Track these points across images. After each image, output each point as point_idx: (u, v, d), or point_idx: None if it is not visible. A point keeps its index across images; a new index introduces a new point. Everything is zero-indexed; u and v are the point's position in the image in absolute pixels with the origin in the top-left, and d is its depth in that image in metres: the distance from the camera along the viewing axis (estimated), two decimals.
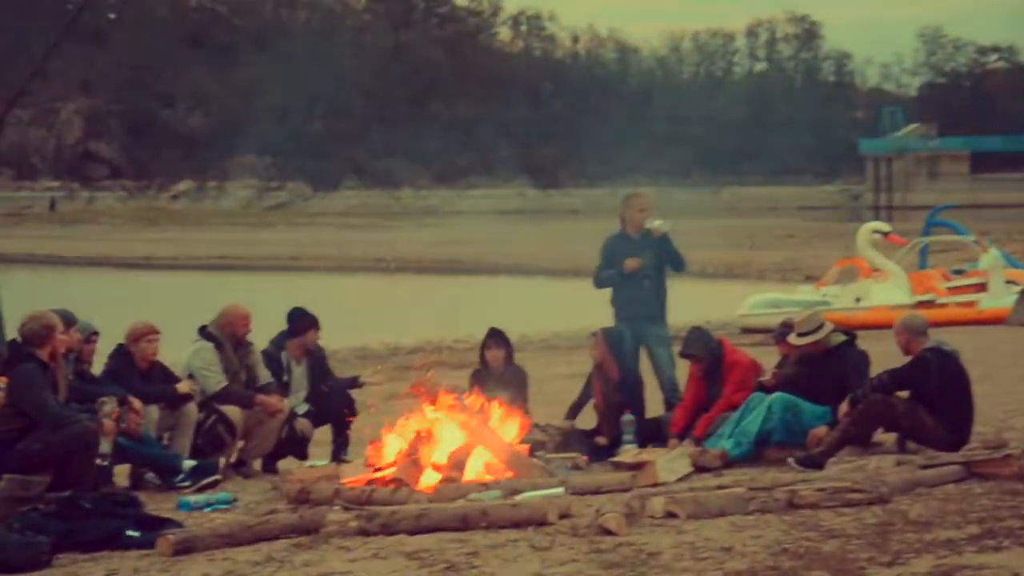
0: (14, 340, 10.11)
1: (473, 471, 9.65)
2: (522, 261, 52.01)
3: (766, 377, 11.00)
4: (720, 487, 8.79)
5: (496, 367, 11.81)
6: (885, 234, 30.42)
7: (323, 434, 12.25)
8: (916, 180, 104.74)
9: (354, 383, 12.57)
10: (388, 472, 9.69)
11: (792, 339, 10.96)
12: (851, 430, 9.94)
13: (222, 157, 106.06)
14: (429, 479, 9.55)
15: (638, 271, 12.26)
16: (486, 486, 9.19)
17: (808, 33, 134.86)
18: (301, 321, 12.06)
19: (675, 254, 12.45)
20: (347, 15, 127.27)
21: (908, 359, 10.14)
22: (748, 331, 27.33)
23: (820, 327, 10.82)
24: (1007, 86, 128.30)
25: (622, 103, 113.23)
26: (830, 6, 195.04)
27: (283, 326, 12.12)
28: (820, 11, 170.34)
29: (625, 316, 12.41)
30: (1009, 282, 28.63)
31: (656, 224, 12.34)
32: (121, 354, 11.11)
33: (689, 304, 23.57)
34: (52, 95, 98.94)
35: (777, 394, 10.59)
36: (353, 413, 12.07)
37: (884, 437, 10.31)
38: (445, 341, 26.53)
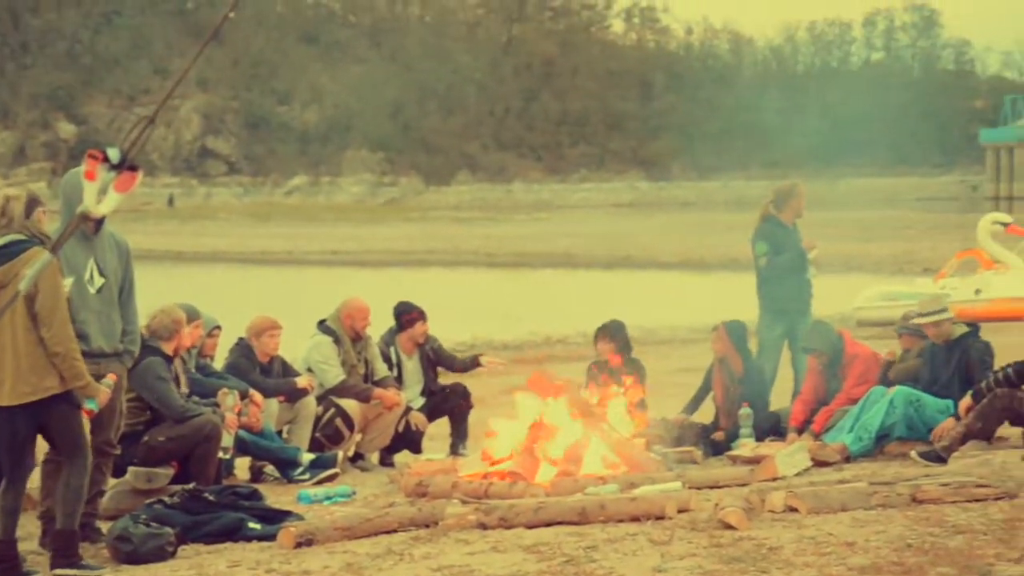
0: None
1: (590, 465, 9.64)
2: (635, 254, 51.83)
3: (893, 359, 10.81)
4: (841, 481, 8.70)
5: (611, 361, 11.78)
6: (1006, 225, 29.90)
7: (437, 428, 12.31)
8: None
9: (475, 363, 12.51)
10: (505, 466, 9.72)
11: (916, 320, 10.82)
12: (975, 424, 9.79)
13: (336, 153, 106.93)
14: (546, 473, 9.55)
15: (808, 256, 12.17)
16: (603, 480, 9.18)
17: (927, 21, 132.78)
18: (407, 314, 12.10)
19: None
20: (460, 9, 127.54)
21: None
22: (865, 324, 27.06)
23: (943, 310, 10.67)
24: None
25: (736, 95, 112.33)
26: None
27: (392, 321, 12.19)
28: None
29: (778, 308, 12.28)
30: None
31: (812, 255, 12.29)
32: (242, 348, 11.26)
33: None
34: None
35: (899, 388, 10.45)
36: (469, 406, 12.12)
37: (1010, 431, 10.14)
38: (559, 335, 26.52)
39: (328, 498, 9.84)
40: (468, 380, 12.71)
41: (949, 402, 10.27)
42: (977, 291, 28.60)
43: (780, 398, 11.96)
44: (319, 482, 10.50)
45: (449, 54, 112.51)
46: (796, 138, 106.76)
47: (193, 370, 10.50)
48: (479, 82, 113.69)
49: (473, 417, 12.10)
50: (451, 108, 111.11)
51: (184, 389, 9.94)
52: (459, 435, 12.05)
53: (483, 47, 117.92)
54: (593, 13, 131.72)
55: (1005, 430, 10.10)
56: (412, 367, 12.14)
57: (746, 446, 10.83)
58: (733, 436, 11.28)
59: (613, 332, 11.93)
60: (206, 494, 8.81)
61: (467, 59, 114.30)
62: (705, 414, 11.88)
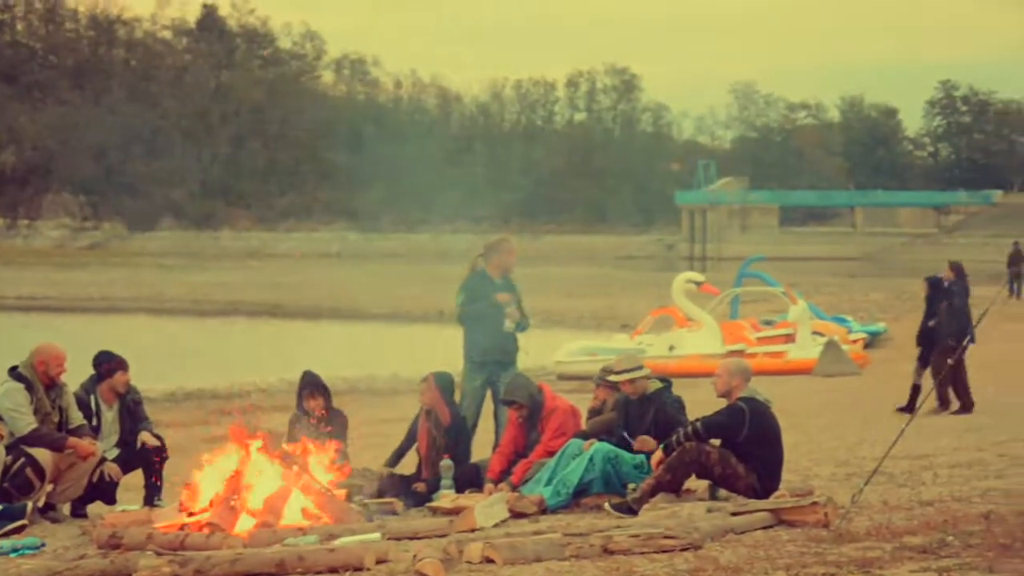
0: None
1: (290, 516, 9.54)
2: (342, 304, 51.74)
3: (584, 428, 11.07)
4: (537, 533, 8.82)
5: (314, 411, 11.70)
6: (699, 284, 30.97)
7: (132, 479, 11.98)
8: (728, 232, 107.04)
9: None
10: (203, 517, 9.53)
11: (612, 377, 11.09)
12: (665, 476, 10.05)
13: (35, 195, 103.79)
14: (244, 524, 9.41)
15: (505, 309, 12.28)
16: (303, 531, 9.10)
17: (627, 84, 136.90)
18: (108, 363, 11.78)
19: (525, 314, 12.58)
20: (168, 54, 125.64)
21: (721, 408, 10.30)
22: (565, 377, 27.61)
23: (638, 367, 10.98)
24: (815, 142, 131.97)
25: (443, 149, 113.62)
26: (648, 60, 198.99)
27: (91, 369, 11.83)
28: (638, 64, 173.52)
29: (479, 359, 12.37)
30: (816, 333, 29.37)
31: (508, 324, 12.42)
32: None
33: None
34: None
35: (598, 444, 10.65)
36: (165, 457, 11.84)
37: (697, 484, 10.46)
38: (263, 384, 26.24)
39: (15, 550, 9.47)
40: (166, 430, 12.42)
41: (642, 457, 10.53)
42: (671, 347, 29.54)
43: (481, 449, 12.08)
44: (6, 534, 10.09)
45: (155, 99, 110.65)
46: (502, 194, 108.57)
47: None
48: (186, 128, 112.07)
49: (171, 467, 11.83)
50: (157, 153, 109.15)
51: None
52: (153, 486, 11.76)
53: (191, 93, 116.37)
54: (303, 63, 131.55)
55: (693, 483, 10.41)
56: (111, 417, 11.80)
57: (446, 497, 10.87)
58: (435, 487, 11.31)
59: (315, 383, 11.86)
60: None
61: (174, 104, 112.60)
62: (408, 465, 11.90)
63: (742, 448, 10.07)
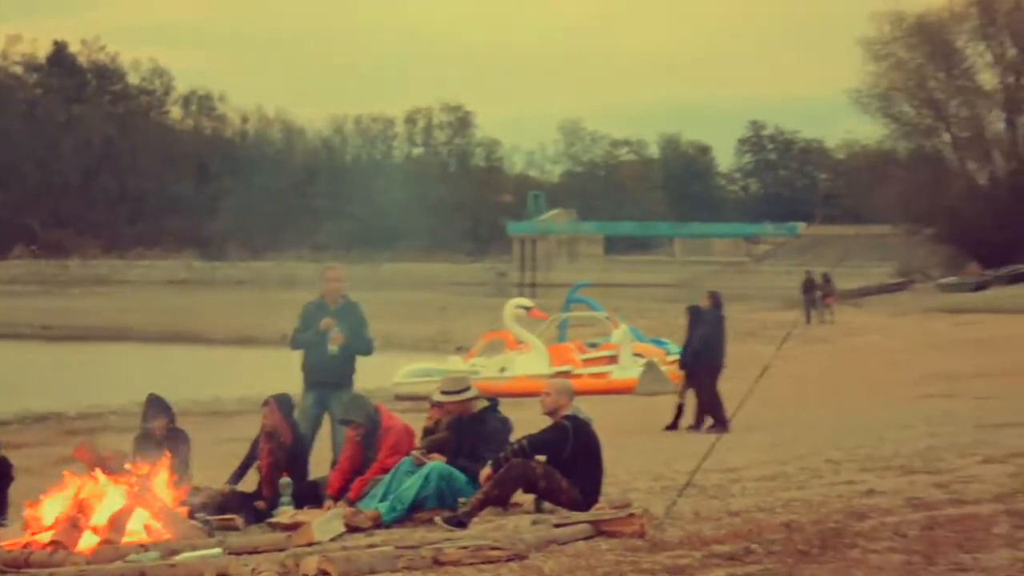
0: None
1: (133, 533, 9.36)
2: (189, 329, 50.96)
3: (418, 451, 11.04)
4: (371, 546, 8.78)
5: (158, 432, 11.51)
6: (528, 309, 31.16)
7: None
8: (557, 260, 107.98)
9: None
10: (47, 535, 9.30)
11: (437, 396, 11.14)
12: (493, 491, 10.08)
13: None
14: (88, 541, 9.20)
15: (329, 334, 12.26)
16: (145, 547, 8.93)
17: (461, 121, 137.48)
18: None
19: (364, 339, 12.57)
20: (19, 88, 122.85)
21: (547, 426, 10.37)
22: (402, 398, 27.52)
23: (466, 389, 11.02)
24: (637, 177, 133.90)
25: (287, 181, 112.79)
26: (482, 98, 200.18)
27: None
28: (473, 102, 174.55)
29: (313, 382, 12.39)
30: (637, 355, 29.72)
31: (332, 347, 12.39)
32: None
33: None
34: None
35: (435, 463, 10.65)
36: (10, 478, 11.52)
37: (523, 498, 10.50)
38: (110, 407, 25.72)
39: None
40: (16, 451, 12.10)
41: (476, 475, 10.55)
42: (502, 369, 29.64)
43: (320, 467, 11.99)
44: None
45: (5, 131, 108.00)
46: (344, 223, 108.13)
47: None
48: (37, 159, 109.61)
49: (22, 488, 11.51)
50: (7, 183, 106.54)
51: None
52: None
53: (42, 125, 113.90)
54: (152, 98, 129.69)
55: (520, 496, 10.44)
56: None
57: (286, 513, 10.77)
58: (274, 504, 11.20)
59: (158, 404, 11.69)
60: None
61: (25, 136, 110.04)
62: (249, 484, 11.75)
63: (566, 464, 10.14)
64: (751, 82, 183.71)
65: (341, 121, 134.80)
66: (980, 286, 62.01)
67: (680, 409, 19.47)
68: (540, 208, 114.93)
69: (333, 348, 12.34)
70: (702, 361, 19.21)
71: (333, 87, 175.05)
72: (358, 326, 12.57)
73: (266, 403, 11.77)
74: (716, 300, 19.94)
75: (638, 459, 14.17)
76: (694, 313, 19.92)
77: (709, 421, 18.94)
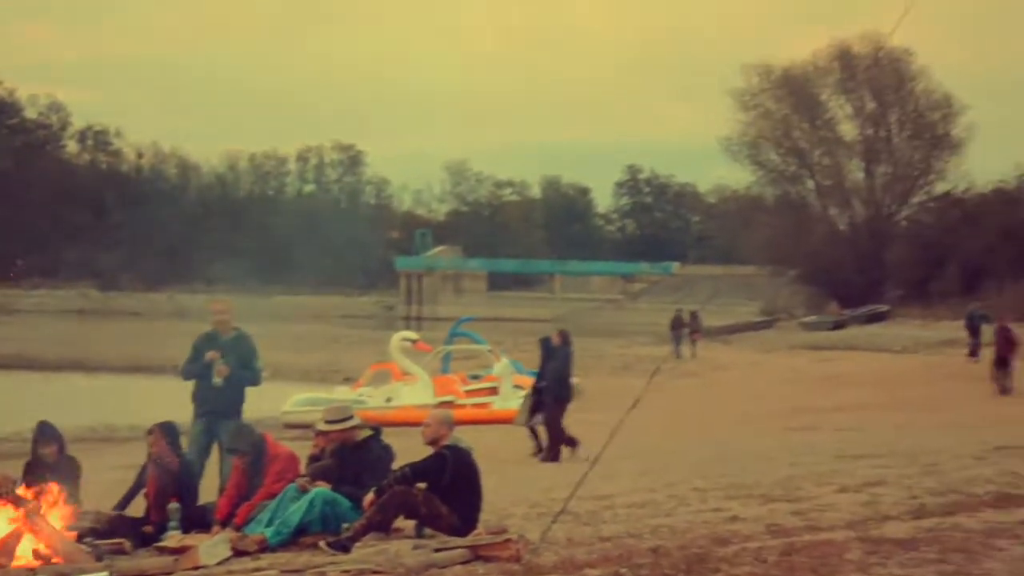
0: None
1: (21, 557, 9.18)
2: (85, 358, 50.03)
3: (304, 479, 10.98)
4: (257, 570, 8.71)
5: (48, 458, 11.32)
6: (413, 342, 31.19)
7: None
8: (442, 295, 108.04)
9: None
10: None
11: (321, 425, 11.12)
12: (376, 516, 10.05)
13: None
14: None
15: (215, 366, 12.21)
16: (33, 571, 8.77)
17: (352, 160, 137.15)
18: None
19: (252, 369, 12.52)
20: None
21: (428, 455, 10.38)
22: (291, 426, 27.33)
23: (348, 418, 11.02)
24: (519, 216, 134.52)
25: (182, 215, 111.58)
26: (372, 137, 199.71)
27: None
28: (363, 141, 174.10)
29: (201, 411, 12.39)
30: (517, 387, 29.83)
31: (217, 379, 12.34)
32: None
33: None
34: None
35: (319, 489, 10.60)
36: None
37: (405, 523, 10.48)
38: (2, 432, 25.15)
39: None
40: None
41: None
42: (388, 399, 29.58)
43: (207, 493, 11.86)
44: None
45: None
46: (237, 257, 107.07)
47: None
48: None
49: None
50: None
51: None
52: None
53: None
54: (49, 132, 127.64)
55: (401, 522, 10.42)
56: None
57: (173, 538, 10.66)
58: (162, 529, 11.07)
59: (48, 431, 11.51)
60: None
61: None
62: (137, 509, 11.60)
63: (445, 491, 10.15)
64: (629, 127, 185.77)
65: (235, 157, 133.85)
66: (839, 325, 63.22)
67: (533, 432, 19.83)
68: (427, 245, 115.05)
69: (217, 380, 12.29)
70: (551, 394, 19.50)
71: (228, 124, 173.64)
72: (248, 357, 12.51)
73: (151, 431, 11.70)
74: (565, 337, 20.24)
75: (517, 486, 14.21)
76: (546, 346, 20.09)
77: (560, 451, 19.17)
